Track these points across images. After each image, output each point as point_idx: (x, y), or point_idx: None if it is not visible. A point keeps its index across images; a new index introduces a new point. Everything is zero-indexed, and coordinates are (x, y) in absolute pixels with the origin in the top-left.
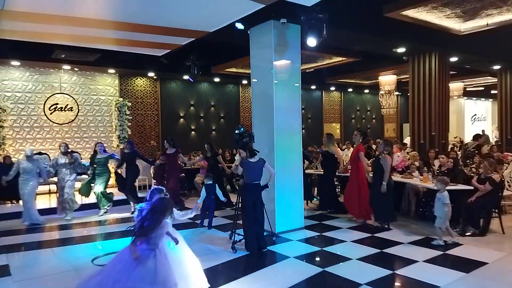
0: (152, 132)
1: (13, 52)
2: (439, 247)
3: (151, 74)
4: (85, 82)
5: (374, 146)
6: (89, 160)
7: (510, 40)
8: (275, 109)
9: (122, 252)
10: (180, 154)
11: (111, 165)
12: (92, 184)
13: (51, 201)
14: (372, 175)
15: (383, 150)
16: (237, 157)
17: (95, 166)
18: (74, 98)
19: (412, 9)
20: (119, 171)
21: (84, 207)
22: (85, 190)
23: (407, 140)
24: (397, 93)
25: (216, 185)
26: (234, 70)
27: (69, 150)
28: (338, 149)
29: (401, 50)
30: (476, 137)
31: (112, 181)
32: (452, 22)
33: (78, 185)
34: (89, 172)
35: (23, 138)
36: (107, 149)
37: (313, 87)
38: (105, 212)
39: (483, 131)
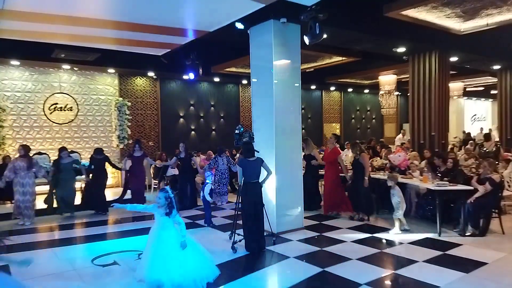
0: (152, 132)
1: (12, 52)
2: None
3: (150, 73)
4: (85, 82)
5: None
6: (53, 166)
7: (510, 40)
8: (275, 109)
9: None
10: (148, 157)
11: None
12: (54, 191)
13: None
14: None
15: (357, 152)
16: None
17: (60, 171)
18: (73, 98)
19: (412, 9)
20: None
21: (83, 207)
22: (50, 201)
23: (397, 138)
24: (397, 93)
25: (209, 184)
26: (234, 69)
27: (29, 153)
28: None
29: (401, 50)
30: (488, 136)
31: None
32: (452, 21)
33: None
34: (49, 179)
35: (23, 138)
36: (106, 150)
37: (313, 87)
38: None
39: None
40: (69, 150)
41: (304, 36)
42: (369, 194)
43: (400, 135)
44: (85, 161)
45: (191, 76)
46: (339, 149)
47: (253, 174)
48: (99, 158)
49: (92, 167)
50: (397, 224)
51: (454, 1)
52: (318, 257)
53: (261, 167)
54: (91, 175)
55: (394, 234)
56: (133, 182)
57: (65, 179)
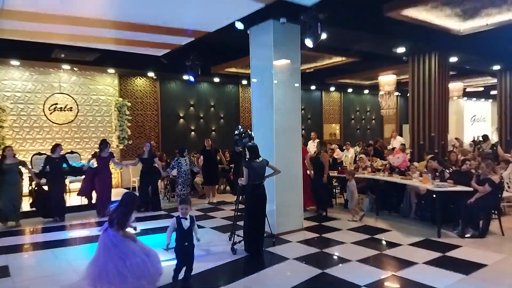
0: (152, 132)
1: (12, 52)
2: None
3: (150, 74)
4: (85, 82)
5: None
6: None
7: (510, 40)
8: (275, 109)
9: (100, 241)
10: (113, 158)
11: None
12: None
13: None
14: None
15: (320, 150)
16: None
17: (4, 173)
18: (73, 98)
19: (412, 9)
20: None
21: (83, 208)
22: None
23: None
24: (396, 93)
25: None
26: (234, 70)
27: None
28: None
29: (401, 50)
30: (485, 137)
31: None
32: (452, 22)
33: None
34: None
35: (23, 138)
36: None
37: (313, 87)
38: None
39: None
40: (67, 150)
41: (306, 39)
42: (326, 190)
43: (393, 139)
44: (85, 161)
45: (191, 78)
46: (307, 149)
47: (259, 175)
48: (55, 158)
49: (48, 168)
50: (353, 213)
51: (454, 1)
52: (317, 259)
53: (267, 167)
54: (45, 178)
55: (349, 221)
56: (98, 184)
57: (8, 183)
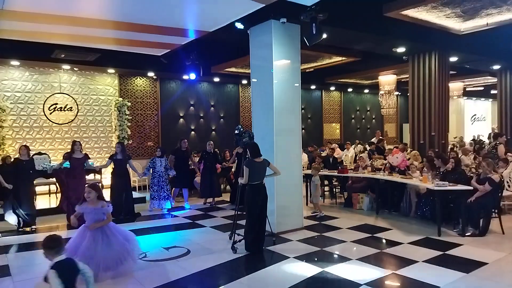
0: (152, 132)
1: (12, 52)
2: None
3: (150, 74)
4: (85, 82)
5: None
6: None
7: (510, 40)
8: (275, 109)
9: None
10: (88, 160)
11: None
12: None
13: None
14: None
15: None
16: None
17: None
18: (73, 98)
19: (412, 9)
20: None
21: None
22: None
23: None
24: (397, 93)
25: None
26: (234, 70)
27: None
28: None
29: (401, 49)
30: (496, 135)
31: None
32: (452, 21)
33: None
34: None
35: (23, 138)
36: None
37: (313, 87)
38: None
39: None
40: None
41: (305, 39)
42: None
43: (375, 139)
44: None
45: (192, 76)
46: None
47: (259, 175)
48: (23, 160)
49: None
50: (317, 207)
51: (454, 1)
52: (318, 257)
53: (267, 168)
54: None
55: (312, 214)
56: (71, 187)
57: None
